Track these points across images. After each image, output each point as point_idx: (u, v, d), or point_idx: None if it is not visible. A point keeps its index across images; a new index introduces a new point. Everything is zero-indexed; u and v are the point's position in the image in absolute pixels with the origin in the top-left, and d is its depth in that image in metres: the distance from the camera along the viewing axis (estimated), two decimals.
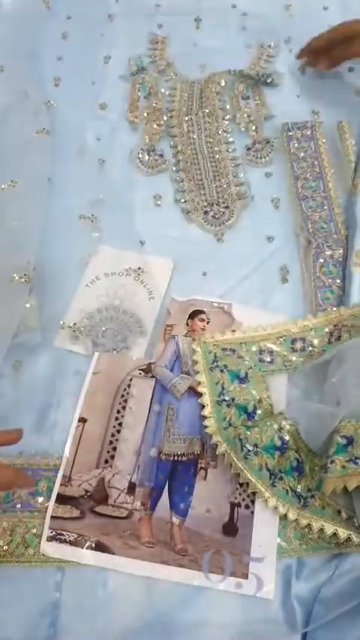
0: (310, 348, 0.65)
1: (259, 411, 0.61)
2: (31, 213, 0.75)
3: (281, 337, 0.66)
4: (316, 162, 0.82)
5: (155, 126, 0.88)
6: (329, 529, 0.54)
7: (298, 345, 0.66)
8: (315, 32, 0.87)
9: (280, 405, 0.63)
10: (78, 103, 0.91)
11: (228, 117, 0.89)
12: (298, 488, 0.56)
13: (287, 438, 0.58)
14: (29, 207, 0.75)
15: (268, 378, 0.64)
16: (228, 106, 0.91)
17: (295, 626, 0.53)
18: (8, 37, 0.99)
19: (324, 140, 0.84)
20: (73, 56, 0.97)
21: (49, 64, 0.96)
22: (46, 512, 0.57)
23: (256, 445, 0.57)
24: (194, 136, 0.87)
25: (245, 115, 0.88)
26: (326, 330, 0.66)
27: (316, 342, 0.66)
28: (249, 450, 0.56)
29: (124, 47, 0.98)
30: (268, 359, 0.65)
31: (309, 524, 0.55)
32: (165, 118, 0.89)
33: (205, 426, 0.60)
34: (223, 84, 0.92)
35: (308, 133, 0.85)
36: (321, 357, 0.63)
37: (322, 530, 0.55)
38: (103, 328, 0.68)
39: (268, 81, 0.91)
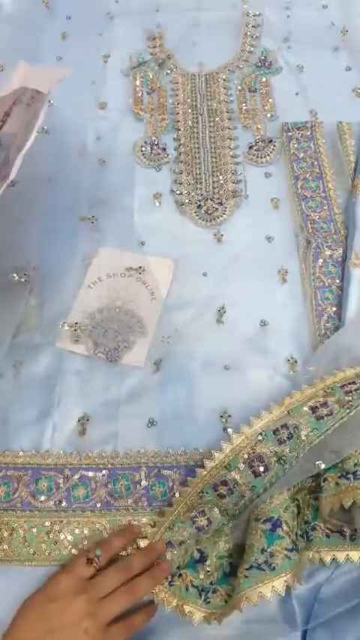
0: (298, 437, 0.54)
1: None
2: (31, 213, 0.75)
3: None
4: (316, 163, 0.82)
5: (160, 119, 0.88)
6: (341, 556, 0.52)
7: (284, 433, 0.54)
8: (314, 30, 0.87)
9: None
10: (78, 102, 0.90)
11: (233, 112, 0.89)
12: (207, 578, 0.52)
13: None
14: (29, 207, 0.75)
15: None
16: (234, 101, 0.91)
17: (294, 625, 0.52)
18: (8, 37, 0.99)
19: (324, 140, 0.84)
20: (72, 56, 0.97)
21: (49, 64, 0.95)
22: (46, 511, 0.57)
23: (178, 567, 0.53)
24: (198, 130, 0.87)
25: (249, 112, 0.89)
26: (305, 408, 0.55)
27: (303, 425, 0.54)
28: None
29: (123, 47, 0.98)
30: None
31: (320, 557, 0.52)
32: (170, 111, 0.89)
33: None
34: (225, 77, 0.92)
35: (308, 133, 0.85)
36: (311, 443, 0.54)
37: (334, 559, 0.52)
38: (105, 329, 0.68)
39: (263, 58, 0.92)
